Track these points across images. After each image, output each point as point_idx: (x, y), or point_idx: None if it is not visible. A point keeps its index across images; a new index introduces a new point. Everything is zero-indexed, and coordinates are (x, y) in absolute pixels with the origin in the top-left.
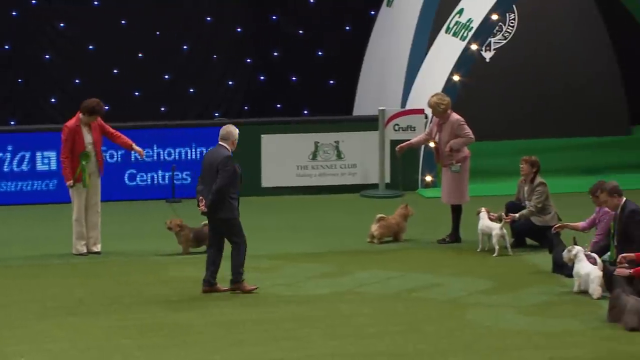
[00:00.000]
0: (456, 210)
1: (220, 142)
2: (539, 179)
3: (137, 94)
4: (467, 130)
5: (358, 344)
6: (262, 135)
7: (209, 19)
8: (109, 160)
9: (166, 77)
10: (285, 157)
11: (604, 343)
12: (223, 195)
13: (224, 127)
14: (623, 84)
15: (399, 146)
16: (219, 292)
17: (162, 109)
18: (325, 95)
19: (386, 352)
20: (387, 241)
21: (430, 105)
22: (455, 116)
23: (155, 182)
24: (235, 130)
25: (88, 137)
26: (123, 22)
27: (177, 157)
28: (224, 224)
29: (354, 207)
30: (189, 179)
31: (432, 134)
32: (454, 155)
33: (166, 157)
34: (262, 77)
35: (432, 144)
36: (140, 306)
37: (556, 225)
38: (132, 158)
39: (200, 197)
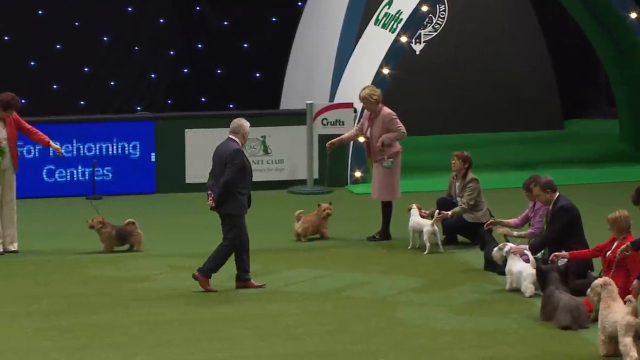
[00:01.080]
0: (387, 207)
1: (230, 136)
2: (470, 175)
3: (55, 87)
4: (399, 124)
5: (286, 344)
6: (186, 130)
7: (130, 9)
8: (26, 155)
9: (86, 69)
10: (210, 152)
11: (536, 342)
12: (230, 189)
13: (234, 120)
14: (556, 77)
15: (329, 142)
16: (252, 288)
17: (82, 102)
18: (251, 89)
19: (315, 352)
20: (314, 239)
21: (361, 98)
22: (386, 110)
23: (75, 178)
24: (246, 124)
25: (2, 133)
26: (40, 12)
27: (97, 153)
28: (227, 219)
29: (282, 204)
30: (110, 175)
31: (363, 129)
32: (385, 151)
33: (86, 153)
34: (185, 70)
35: (362, 139)
36: (60, 307)
37: (488, 222)
38: (51, 153)
39: (209, 192)
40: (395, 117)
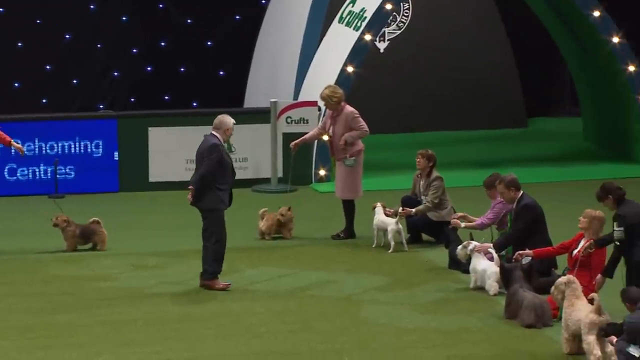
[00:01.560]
0: (349, 205)
1: (212, 132)
2: (435, 173)
3: (16, 85)
4: (362, 122)
5: (250, 343)
6: (149, 128)
7: (92, 6)
8: None
9: (48, 67)
10: (173, 150)
11: (500, 340)
12: (207, 183)
13: (218, 116)
14: (520, 76)
15: (293, 143)
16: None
17: (44, 100)
18: (215, 87)
19: (279, 352)
20: (278, 237)
21: (322, 98)
22: (349, 109)
23: (37, 176)
24: (228, 120)
25: None
26: (1, 9)
27: (59, 151)
28: (206, 214)
29: (245, 202)
30: (73, 173)
31: (326, 128)
32: (348, 149)
33: (48, 151)
34: (149, 68)
35: (325, 138)
36: (21, 306)
37: (456, 216)
38: (13, 152)
39: (190, 187)
40: (358, 115)
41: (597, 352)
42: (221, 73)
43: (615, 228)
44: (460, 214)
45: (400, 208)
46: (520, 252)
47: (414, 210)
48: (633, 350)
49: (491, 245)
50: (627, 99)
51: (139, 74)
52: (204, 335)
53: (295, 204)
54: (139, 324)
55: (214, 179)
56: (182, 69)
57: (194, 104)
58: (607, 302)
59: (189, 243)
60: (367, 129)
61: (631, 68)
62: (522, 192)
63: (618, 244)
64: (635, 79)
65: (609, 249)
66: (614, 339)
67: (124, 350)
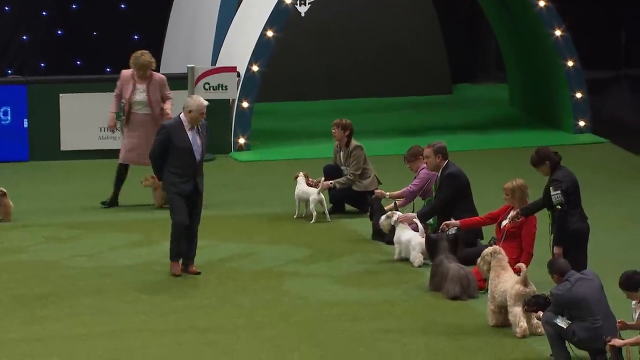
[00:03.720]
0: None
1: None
2: (354, 143)
3: None
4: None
5: (167, 318)
6: (60, 95)
7: None
8: None
9: None
10: (86, 118)
11: (425, 312)
12: (156, 163)
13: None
14: (445, 41)
15: (109, 122)
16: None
17: None
18: (129, 52)
19: (197, 327)
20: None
21: (141, 64)
22: (158, 75)
23: None
24: (192, 101)
25: None
26: None
27: None
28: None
29: None
30: None
31: (128, 93)
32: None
33: None
34: (60, 32)
35: (125, 102)
36: None
37: (376, 191)
38: None
39: None
40: (166, 83)
41: (523, 323)
42: (136, 37)
43: (552, 192)
44: (382, 191)
45: (323, 180)
46: (447, 222)
47: (334, 182)
48: (560, 322)
49: (415, 215)
50: (553, 64)
51: (49, 37)
52: (120, 309)
53: (214, 173)
54: (51, 299)
55: (164, 161)
56: (94, 33)
57: (108, 70)
58: (534, 273)
59: (103, 214)
60: (172, 96)
61: (557, 33)
62: (447, 160)
63: (559, 207)
64: (562, 43)
65: (541, 220)
66: (541, 314)
67: (34, 328)
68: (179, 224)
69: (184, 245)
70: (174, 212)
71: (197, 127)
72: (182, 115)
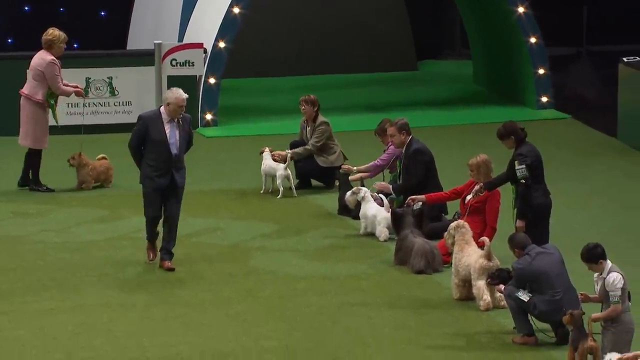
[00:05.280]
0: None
1: None
2: (321, 118)
3: None
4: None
5: (134, 292)
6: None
7: None
8: None
9: None
10: None
11: (391, 286)
12: (134, 154)
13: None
14: (409, 18)
15: (77, 92)
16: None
17: None
18: (96, 28)
19: (165, 302)
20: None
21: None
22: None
23: None
24: (170, 94)
25: None
26: None
27: None
28: None
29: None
30: None
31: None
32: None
33: None
34: (27, 8)
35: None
36: None
37: (343, 166)
38: None
39: None
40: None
41: (487, 297)
42: (102, 13)
43: (517, 167)
44: (349, 167)
45: (288, 152)
46: (412, 197)
47: (290, 151)
48: (521, 295)
49: (390, 187)
50: (516, 41)
51: (16, 13)
52: (85, 283)
53: None
54: (18, 273)
55: (141, 153)
56: (61, 9)
57: (75, 46)
58: (498, 247)
59: (71, 191)
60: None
61: (520, 9)
62: (411, 136)
63: (523, 182)
64: (525, 20)
65: (505, 195)
66: (502, 287)
67: (2, 302)
68: (149, 218)
69: (164, 237)
70: (145, 205)
71: (177, 120)
72: (162, 108)
